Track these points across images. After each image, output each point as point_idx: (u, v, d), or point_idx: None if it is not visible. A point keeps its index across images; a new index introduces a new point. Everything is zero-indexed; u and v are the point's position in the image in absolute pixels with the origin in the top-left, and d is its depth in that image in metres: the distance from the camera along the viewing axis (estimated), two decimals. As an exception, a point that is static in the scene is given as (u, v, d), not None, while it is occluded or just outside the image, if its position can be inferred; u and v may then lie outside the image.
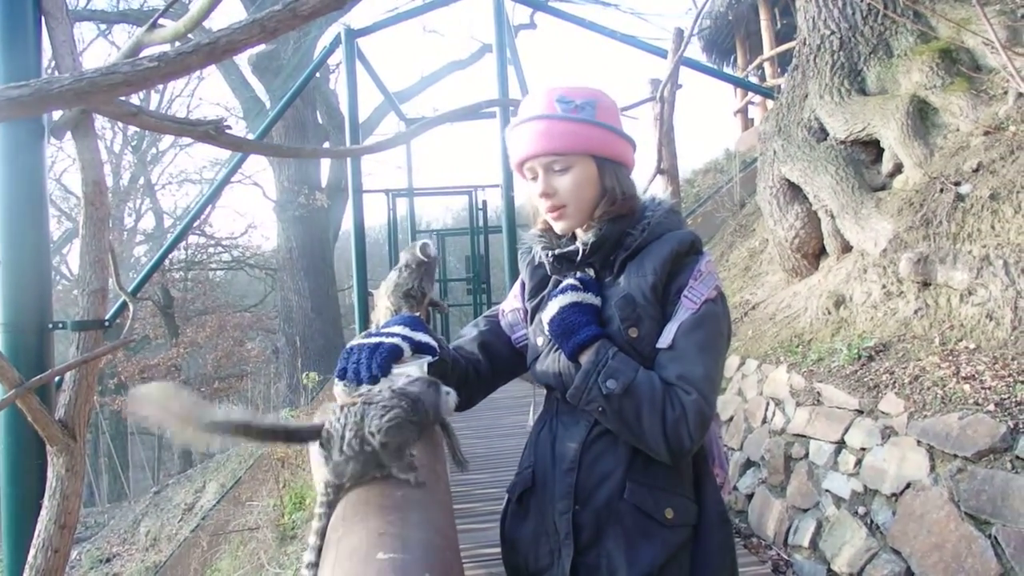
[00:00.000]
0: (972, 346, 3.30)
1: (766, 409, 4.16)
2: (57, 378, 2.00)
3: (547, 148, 1.31)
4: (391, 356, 1.27)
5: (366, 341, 1.31)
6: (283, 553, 6.09)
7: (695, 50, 14.02)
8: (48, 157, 2.31)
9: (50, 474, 1.76)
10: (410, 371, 1.23)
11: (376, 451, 1.12)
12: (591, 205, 1.34)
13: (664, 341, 1.26)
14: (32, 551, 1.71)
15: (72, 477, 1.77)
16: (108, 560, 11.65)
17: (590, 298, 1.32)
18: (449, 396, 1.21)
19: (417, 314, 1.44)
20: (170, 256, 16.66)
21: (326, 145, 16.03)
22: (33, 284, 2.20)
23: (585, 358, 1.27)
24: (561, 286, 1.35)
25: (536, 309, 1.43)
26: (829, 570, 3.12)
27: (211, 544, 8.53)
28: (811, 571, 3.22)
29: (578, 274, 1.36)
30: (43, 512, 1.75)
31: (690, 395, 1.20)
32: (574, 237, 1.40)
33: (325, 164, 16.86)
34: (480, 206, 12.49)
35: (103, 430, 19.62)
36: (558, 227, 1.38)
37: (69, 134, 2.00)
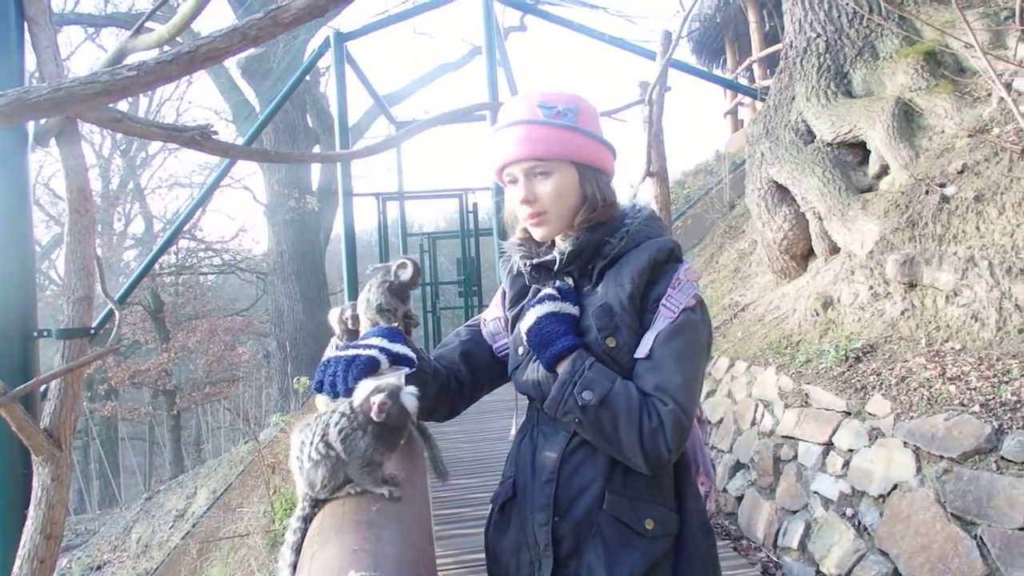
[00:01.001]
0: (958, 347, 3.32)
1: (755, 411, 4.17)
2: (42, 387, 1.98)
3: (528, 153, 1.29)
4: (367, 369, 1.26)
5: (343, 354, 1.30)
6: (273, 560, 6.06)
7: (685, 52, 14.07)
8: (36, 161, 2.31)
9: (35, 484, 1.75)
10: (389, 383, 1.22)
11: (339, 458, 1.12)
12: (571, 212, 1.33)
13: (642, 351, 1.25)
14: (18, 562, 1.70)
15: (58, 486, 1.76)
16: (99, 568, 11.56)
17: (568, 308, 1.31)
18: (409, 397, 1.18)
19: (395, 326, 1.43)
20: (160, 260, 16.57)
21: (316, 148, 16.00)
22: (18, 292, 2.19)
23: (562, 369, 1.26)
24: (539, 296, 1.34)
25: (516, 318, 1.42)
26: (818, 571, 3.13)
27: (202, 551, 8.48)
28: (800, 573, 3.23)
29: (556, 283, 1.35)
30: (28, 522, 1.73)
31: (667, 405, 1.19)
32: (552, 245, 1.39)
33: (316, 167, 16.79)
34: (471, 209, 12.48)
35: (93, 436, 19.49)
36: (537, 234, 1.37)
37: (53, 140, 1.98)
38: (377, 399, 1.12)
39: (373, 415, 1.12)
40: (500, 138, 1.33)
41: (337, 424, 1.13)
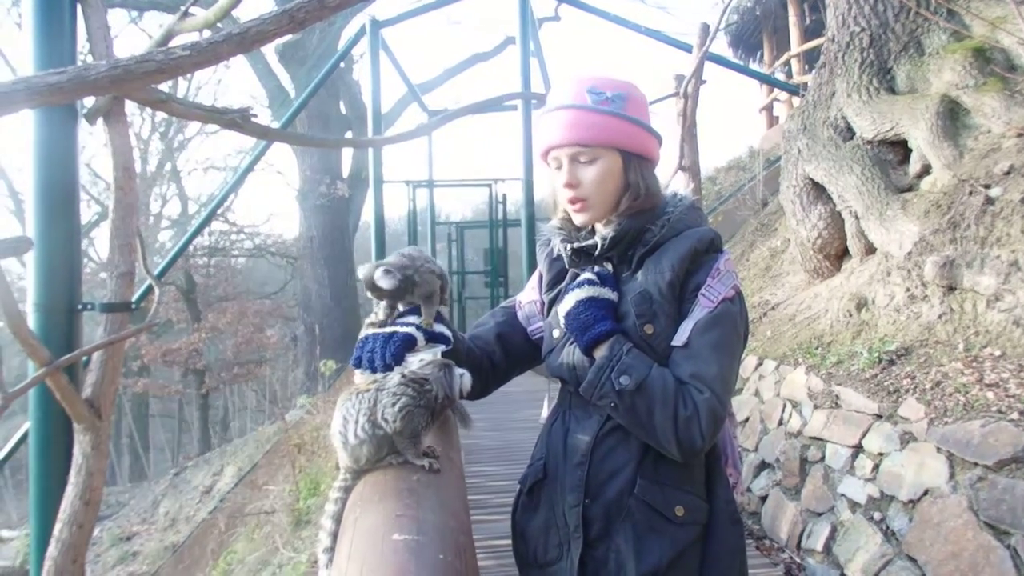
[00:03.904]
0: (997, 353, 3.24)
1: (783, 411, 4.12)
2: (84, 358, 2.03)
3: (574, 138, 1.30)
4: (404, 345, 1.29)
5: (381, 331, 1.33)
6: (297, 537, 6.16)
7: (721, 45, 13.91)
8: (79, 140, 2.35)
9: (76, 451, 1.80)
10: (424, 360, 1.25)
11: (388, 434, 1.15)
12: (613, 199, 1.33)
13: (679, 339, 1.26)
14: (58, 525, 1.76)
15: (97, 455, 1.81)
16: (128, 538, 11.90)
17: (607, 293, 1.32)
18: (463, 377, 1.24)
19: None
20: (194, 242, 16.84)
21: (348, 135, 16.10)
22: (64, 266, 2.24)
23: (599, 353, 1.27)
24: (578, 280, 1.34)
25: (553, 301, 1.43)
26: (842, 575, 3.09)
27: (228, 526, 8.65)
28: (824, 575, 3.19)
29: (596, 268, 1.36)
30: (69, 488, 1.79)
31: (703, 394, 1.20)
32: (593, 231, 1.40)
33: (347, 154, 16.92)
34: (500, 199, 12.49)
35: (125, 411, 19.96)
36: (578, 219, 1.37)
37: (101, 120, 2.03)
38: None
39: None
40: (547, 121, 1.34)
41: (396, 403, 1.15)
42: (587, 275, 1.34)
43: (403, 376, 1.19)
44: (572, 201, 1.33)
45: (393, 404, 1.15)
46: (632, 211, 1.33)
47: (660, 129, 1.39)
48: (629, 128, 1.31)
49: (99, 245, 21.64)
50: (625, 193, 1.33)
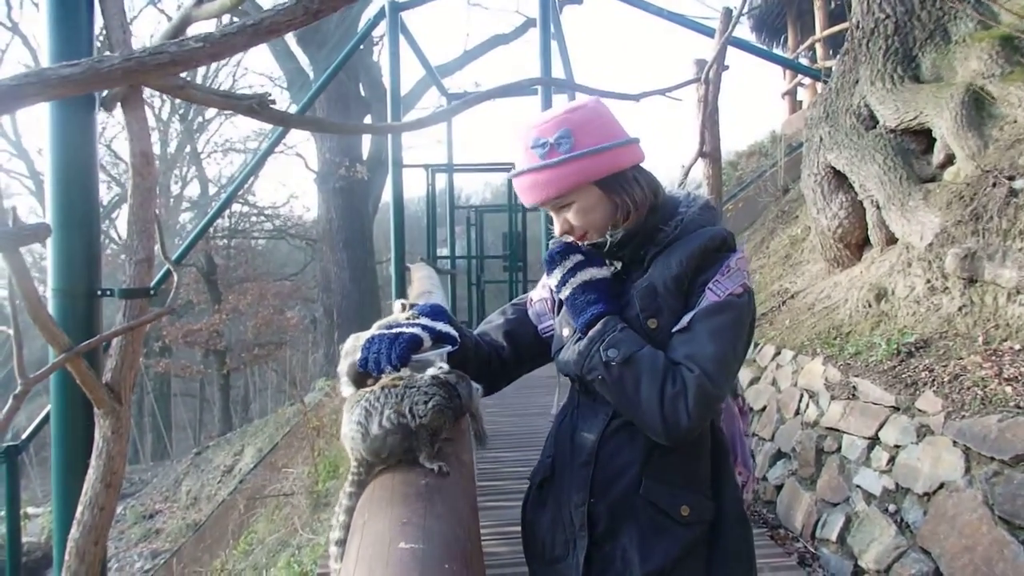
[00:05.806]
0: (1017, 347, 3.20)
1: (799, 401, 4.10)
2: (104, 343, 2.04)
3: (541, 199, 1.33)
4: (410, 346, 1.28)
5: (387, 332, 1.32)
6: (316, 519, 6.25)
7: (744, 30, 13.69)
8: (99, 123, 2.34)
9: (97, 435, 1.80)
10: (431, 360, 1.26)
11: (411, 427, 1.16)
12: (608, 221, 1.34)
13: (681, 324, 1.25)
14: (80, 508, 1.77)
15: (117, 439, 1.81)
16: (151, 516, 12.12)
17: (598, 273, 1.33)
18: (478, 391, 1.27)
19: (439, 304, 1.45)
20: (214, 224, 16.96)
21: (368, 118, 16.08)
22: (83, 251, 2.23)
23: (593, 330, 1.27)
24: (569, 267, 1.34)
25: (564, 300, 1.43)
26: (856, 566, 3.09)
27: (248, 507, 8.79)
28: (838, 566, 3.19)
29: (582, 246, 1.36)
30: (90, 471, 1.79)
31: (693, 372, 1.18)
32: None
33: (367, 137, 16.92)
34: (519, 183, 12.39)
35: (148, 391, 20.23)
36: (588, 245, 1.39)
37: (119, 104, 2.03)
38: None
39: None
40: (516, 187, 1.37)
41: (429, 401, 1.17)
42: (576, 258, 1.34)
43: (435, 377, 1.21)
44: (577, 240, 1.37)
45: (426, 402, 1.16)
46: (632, 222, 1.32)
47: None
48: (587, 162, 1.29)
49: (120, 226, 21.86)
50: (617, 211, 1.33)
